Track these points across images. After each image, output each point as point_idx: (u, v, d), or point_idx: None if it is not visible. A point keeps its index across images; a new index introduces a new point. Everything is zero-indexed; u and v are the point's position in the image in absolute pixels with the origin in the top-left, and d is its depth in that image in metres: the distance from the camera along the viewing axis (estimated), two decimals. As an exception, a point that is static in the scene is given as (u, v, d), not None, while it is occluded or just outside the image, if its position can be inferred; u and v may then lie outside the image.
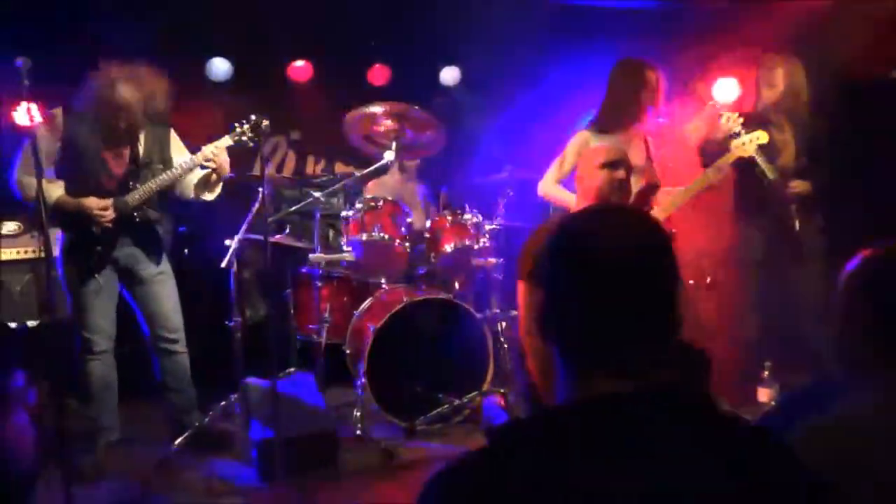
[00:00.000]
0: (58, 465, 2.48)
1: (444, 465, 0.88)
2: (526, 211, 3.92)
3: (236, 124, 3.12)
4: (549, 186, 3.26)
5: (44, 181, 2.86)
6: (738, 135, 3.23)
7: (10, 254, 3.87)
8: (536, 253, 2.39)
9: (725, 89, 3.79)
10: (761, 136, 3.24)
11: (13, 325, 3.83)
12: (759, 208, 3.58)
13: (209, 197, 3.26)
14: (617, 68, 3.39)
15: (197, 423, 3.30)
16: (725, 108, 3.46)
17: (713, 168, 3.20)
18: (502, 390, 3.59)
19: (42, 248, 2.52)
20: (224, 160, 3.11)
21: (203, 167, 3.14)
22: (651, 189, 3.16)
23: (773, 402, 3.25)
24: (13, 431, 0.92)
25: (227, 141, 3.10)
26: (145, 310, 3.24)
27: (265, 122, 3.06)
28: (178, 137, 3.27)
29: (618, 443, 0.85)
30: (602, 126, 3.30)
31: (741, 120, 3.26)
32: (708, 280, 3.61)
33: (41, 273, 2.60)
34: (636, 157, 3.19)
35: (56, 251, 3.09)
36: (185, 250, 4.85)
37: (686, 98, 3.79)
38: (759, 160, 3.39)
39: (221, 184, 3.26)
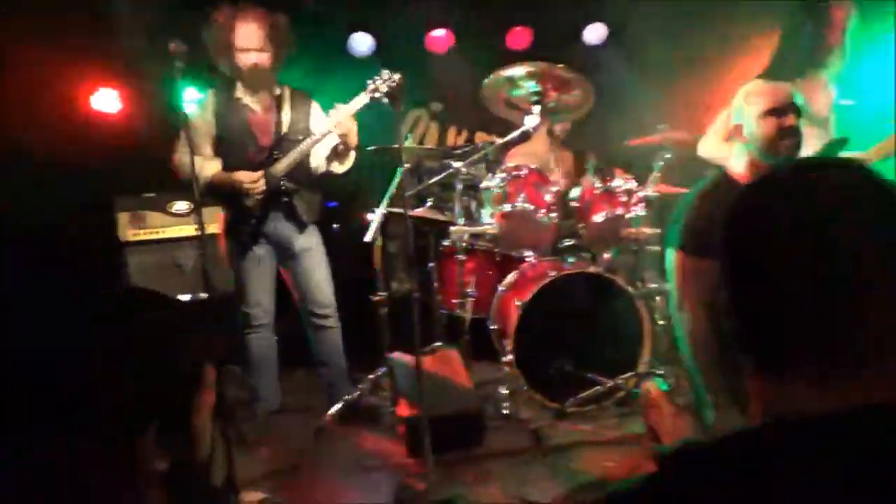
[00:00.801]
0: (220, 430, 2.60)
1: (605, 495, 0.72)
2: (685, 175, 3.55)
3: (369, 81, 3.04)
4: (713, 145, 2.90)
5: (200, 160, 2.99)
6: None
7: (180, 231, 4.15)
8: (695, 220, 2.13)
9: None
10: None
11: (188, 297, 4.12)
12: None
13: (340, 168, 3.24)
14: (794, 6, 2.94)
15: (347, 396, 3.36)
16: None
17: None
18: (660, 371, 3.32)
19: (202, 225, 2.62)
20: (351, 126, 3.04)
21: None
22: (839, 143, 2.73)
23: None
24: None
25: (363, 98, 3.03)
26: (296, 284, 3.31)
27: (398, 76, 2.98)
28: (320, 109, 3.27)
29: (826, 487, 0.64)
30: (778, 74, 2.88)
31: None
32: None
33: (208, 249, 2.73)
34: (819, 107, 2.76)
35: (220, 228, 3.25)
36: (335, 225, 4.98)
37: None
38: None
39: (352, 155, 3.21)
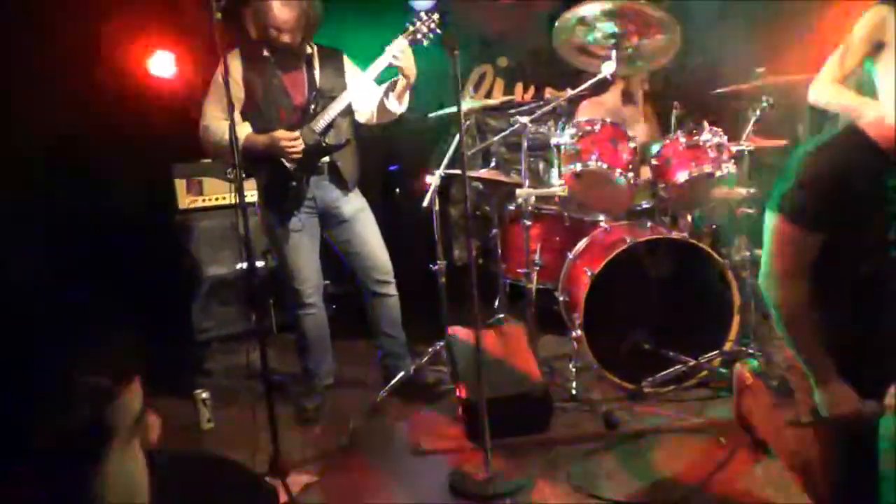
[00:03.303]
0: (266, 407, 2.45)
1: None
2: (787, 126, 3.10)
3: (408, 24, 2.86)
4: (828, 89, 2.43)
5: (226, 125, 2.79)
6: None
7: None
8: (808, 183, 1.73)
9: None
10: None
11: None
12: None
13: (399, 108, 2.98)
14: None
15: (403, 372, 3.16)
16: None
17: None
18: (750, 350, 2.93)
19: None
20: (410, 61, 2.84)
21: (388, 76, 2.90)
22: None
23: None
24: None
25: (401, 42, 2.84)
26: (351, 251, 3.11)
27: (437, 16, 2.84)
28: (351, 62, 3.06)
29: None
30: None
31: None
32: None
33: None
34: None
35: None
36: (397, 189, 4.77)
37: None
38: None
39: (408, 94, 2.98)
